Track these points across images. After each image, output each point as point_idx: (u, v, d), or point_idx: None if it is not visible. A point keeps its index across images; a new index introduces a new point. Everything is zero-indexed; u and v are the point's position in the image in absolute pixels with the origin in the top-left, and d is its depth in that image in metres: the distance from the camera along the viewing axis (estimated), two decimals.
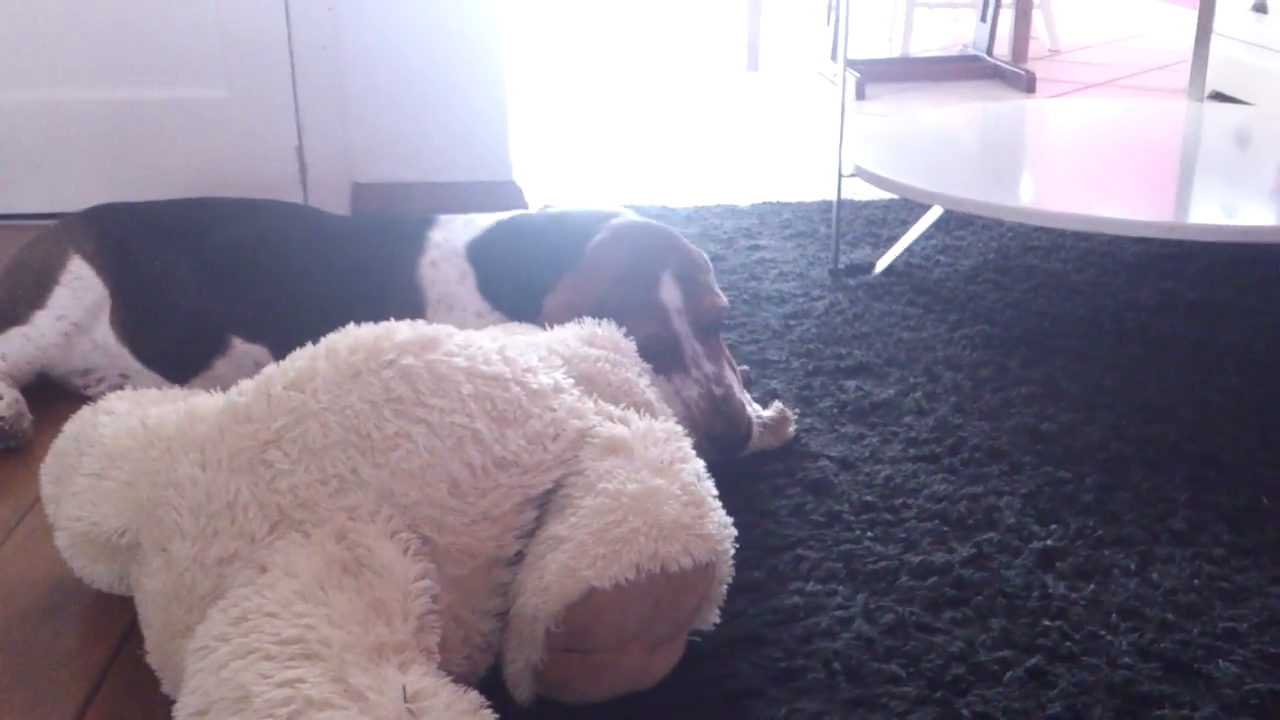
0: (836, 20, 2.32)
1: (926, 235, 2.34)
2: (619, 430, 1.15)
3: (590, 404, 1.20)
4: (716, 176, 3.03)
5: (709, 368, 1.46)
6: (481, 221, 1.71)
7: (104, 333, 1.75)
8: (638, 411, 1.23)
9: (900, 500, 1.42)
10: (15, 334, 1.72)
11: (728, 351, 1.56)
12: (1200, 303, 2.06)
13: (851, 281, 2.17)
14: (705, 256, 1.57)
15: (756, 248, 2.38)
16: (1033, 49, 4.69)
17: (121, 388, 1.76)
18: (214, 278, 1.73)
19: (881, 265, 2.22)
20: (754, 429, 1.48)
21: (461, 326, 1.59)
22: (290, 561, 1.01)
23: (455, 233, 1.69)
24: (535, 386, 1.14)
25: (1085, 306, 2.04)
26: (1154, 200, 2.01)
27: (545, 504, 1.12)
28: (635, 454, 1.12)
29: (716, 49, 5.12)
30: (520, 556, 1.10)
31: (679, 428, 1.20)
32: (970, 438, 1.57)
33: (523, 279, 1.59)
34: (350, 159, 2.68)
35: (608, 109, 3.95)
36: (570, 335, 1.33)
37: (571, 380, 1.21)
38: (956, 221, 2.45)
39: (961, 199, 1.91)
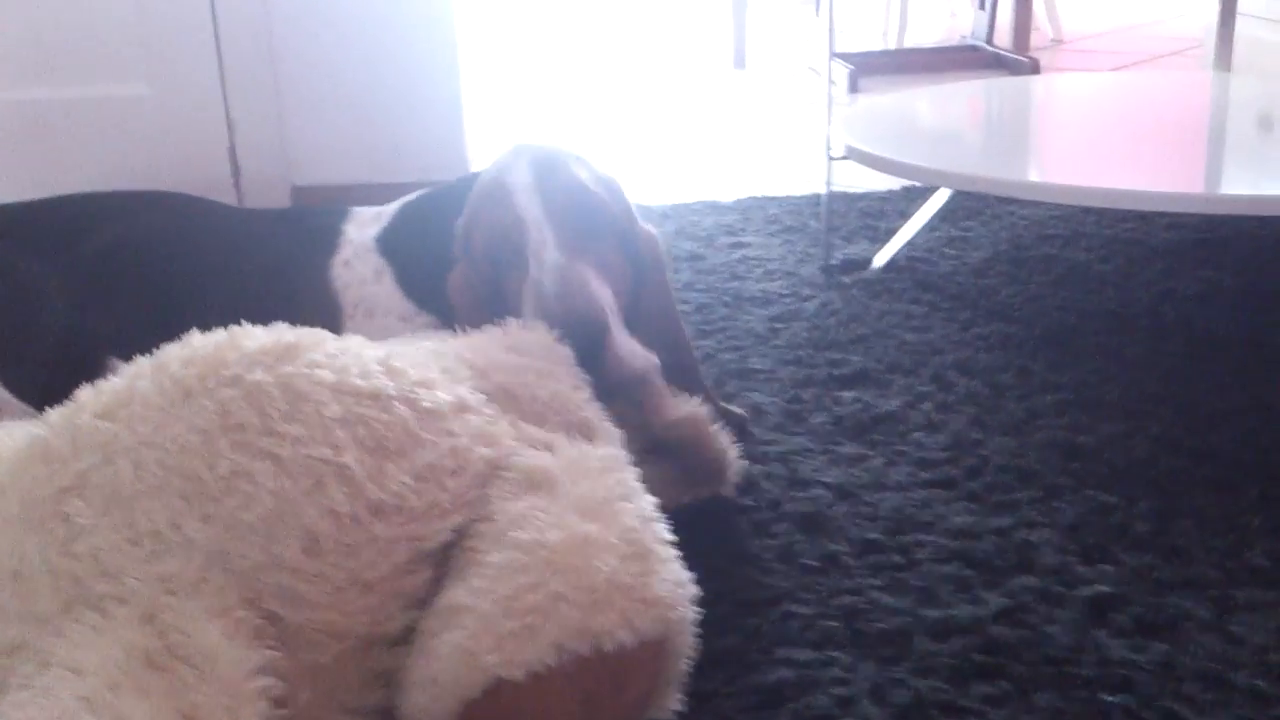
0: (830, 4, 2.06)
1: (929, 226, 2.07)
2: (540, 460, 0.88)
3: (506, 426, 0.93)
4: (698, 173, 2.77)
5: (547, 258, 1.15)
6: (390, 207, 1.46)
7: None
8: (569, 435, 0.96)
9: (911, 537, 1.14)
10: None
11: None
12: (1245, 291, 1.79)
13: (846, 279, 1.90)
14: (614, 179, 1.30)
15: (739, 245, 2.11)
16: (1034, 39, 4.43)
17: None
18: (88, 289, 1.45)
19: (880, 260, 1.95)
20: (606, 318, 1.13)
21: (383, 335, 1.34)
22: (77, 655, 0.73)
23: (366, 223, 1.43)
24: (428, 405, 0.87)
25: (1115, 299, 1.77)
26: (1184, 173, 1.74)
27: (443, 562, 0.84)
28: (560, 491, 0.85)
29: (702, 46, 4.87)
30: (409, 634, 0.82)
31: (622, 454, 0.92)
32: (993, 457, 1.29)
33: (437, 268, 1.32)
34: (288, 159, 2.42)
35: (584, 105, 3.69)
36: (488, 340, 1.06)
37: (484, 397, 0.94)
38: (963, 211, 2.18)
39: (971, 177, 1.65)
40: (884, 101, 2.21)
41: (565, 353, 1.08)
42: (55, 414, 0.87)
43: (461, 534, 0.85)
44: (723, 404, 1.39)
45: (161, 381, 0.84)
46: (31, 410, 1.46)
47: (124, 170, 2.38)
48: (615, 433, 1.04)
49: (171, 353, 0.87)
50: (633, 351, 1.16)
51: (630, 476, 0.89)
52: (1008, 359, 1.55)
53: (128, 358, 1.42)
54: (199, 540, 0.78)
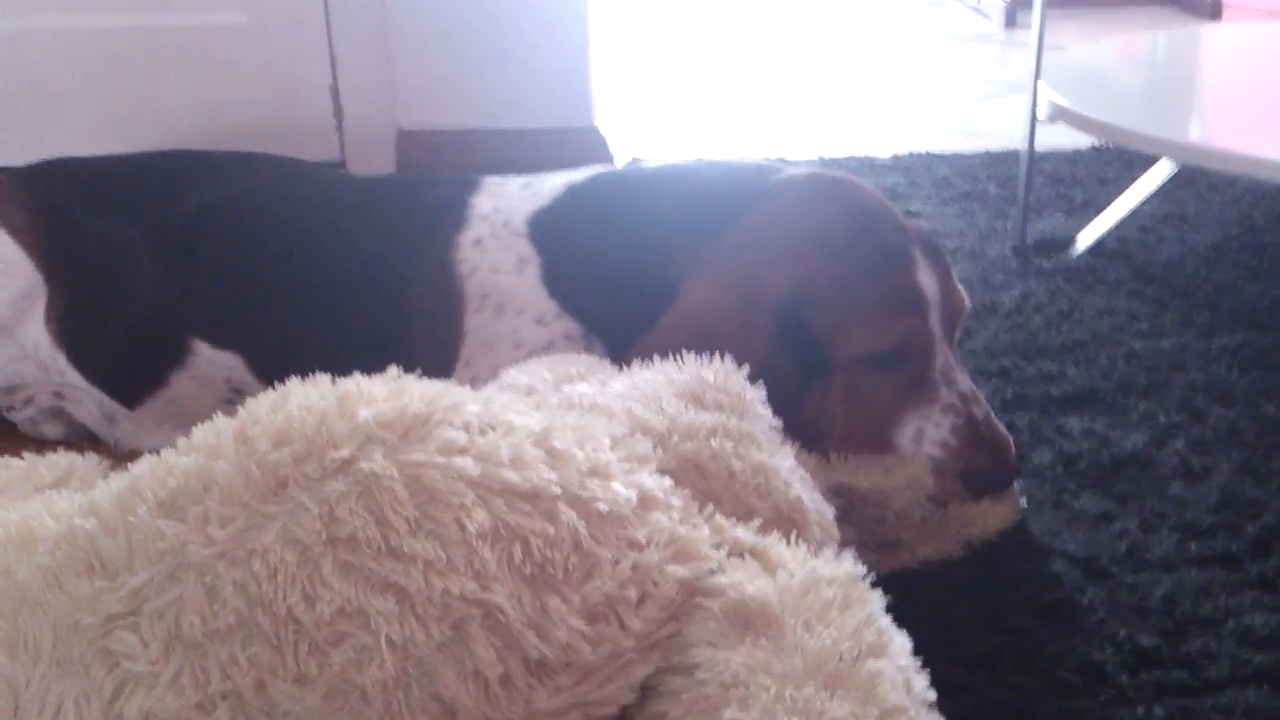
0: None
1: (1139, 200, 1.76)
2: (755, 587, 0.63)
3: (702, 526, 0.68)
4: (845, 123, 2.47)
5: (965, 384, 1.02)
6: (548, 184, 1.19)
7: (36, 334, 1.27)
8: (782, 529, 0.72)
9: (1198, 643, 0.88)
10: None
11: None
12: None
13: (1045, 263, 1.61)
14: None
15: (908, 214, 1.82)
16: None
17: (56, 409, 1.30)
18: (175, 260, 1.24)
19: (1084, 241, 1.66)
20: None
21: (514, 336, 1.10)
22: None
23: (511, 200, 1.17)
24: (604, 508, 0.63)
25: None
26: None
27: None
28: (787, 638, 0.61)
29: None
30: None
31: (850, 564, 0.68)
32: (1278, 522, 1.02)
33: (617, 268, 1.08)
34: (395, 100, 2.18)
35: (711, 43, 3.39)
36: (658, 382, 0.81)
37: (669, 481, 0.70)
38: (1174, 181, 1.86)
39: (1224, 153, 1.34)
40: (1093, 53, 1.89)
41: (756, 398, 0.83)
42: (105, 492, 0.65)
43: (647, 692, 0.61)
44: None
45: (247, 465, 0.61)
46: (103, 397, 1.26)
47: (216, 106, 2.17)
48: (828, 513, 0.79)
49: (261, 418, 0.64)
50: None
51: (876, 604, 0.65)
52: (1270, 381, 1.26)
53: (215, 342, 1.23)
54: (293, 712, 0.55)
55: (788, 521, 0.74)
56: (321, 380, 0.68)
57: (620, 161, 2.16)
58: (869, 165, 2.10)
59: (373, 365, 1.13)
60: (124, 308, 1.24)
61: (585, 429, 0.68)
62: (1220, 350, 1.34)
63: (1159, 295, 1.49)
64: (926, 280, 1.01)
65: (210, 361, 1.19)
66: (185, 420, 1.23)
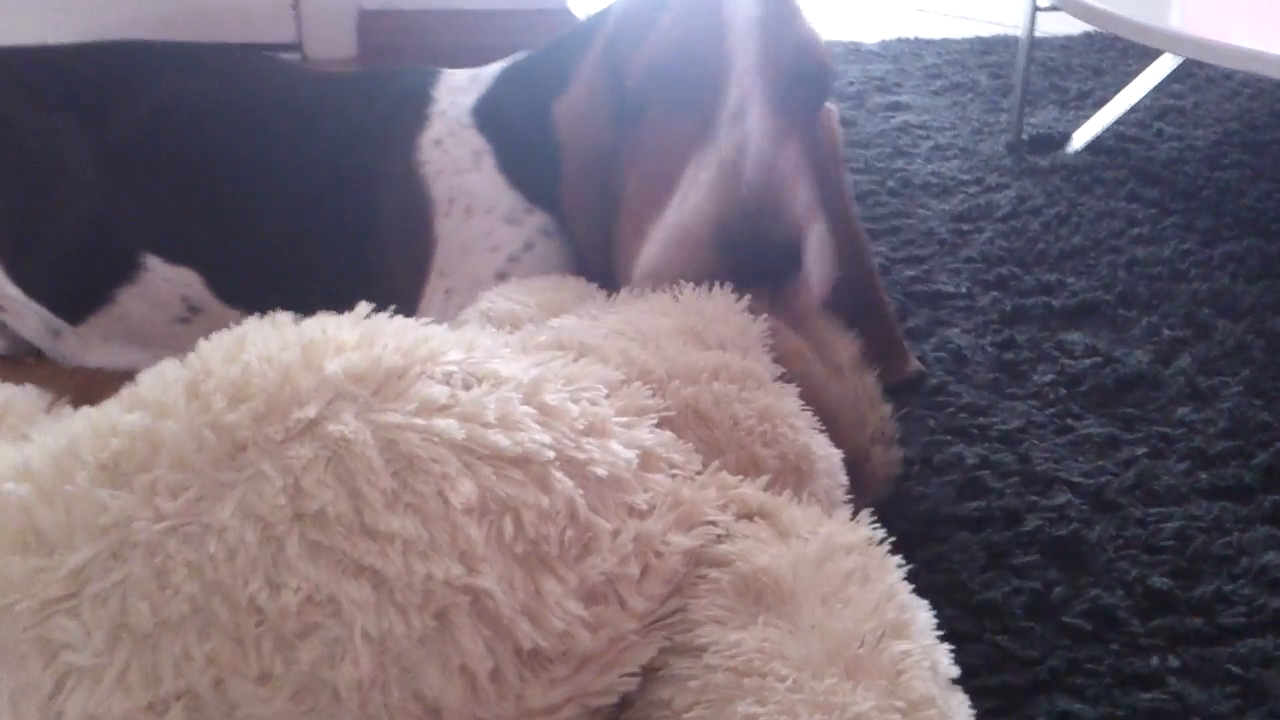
0: None
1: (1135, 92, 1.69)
2: (767, 556, 0.58)
3: (707, 485, 0.62)
4: (828, 5, 2.36)
5: (754, 139, 0.81)
6: (490, 70, 1.10)
7: None
8: (790, 480, 0.66)
9: (1212, 586, 0.84)
10: None
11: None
12: None
13: (1042, 161, 1.54)
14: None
15: (897, 107, 1.75)
16: None
17: None
18: (125, 166, 1.14)
19: (1081, 139, 1.58)
20: (803, 240, 0.82)
21: (489, 239, 1.00)
22: None
23: (460, 92, 1.08)
24: (602, 471, 0.57)
25: None
26: None
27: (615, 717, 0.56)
28: (803, 616, 0.55)
29: None
30: None
31: (867, 528, 0.62)
32: None
33: (549, 139, 0.99)
34: None
35: None
36: (657, 317, 0.74)
37: (670, 435, 0.63)
38: (1173, 73, 1.78)
39: (1239, 50, 1.27)
40: None
41: (758, 330, 0.76)
42: (40, 452, 0.58)
43: (651, 675, 0.56)
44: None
45: (199, 426, 0.54)
46: (43, 310, 1.17)
47: None
48: (835, 458, 0.74)
49: (214, 369, 0.56)
50: (819, 280, 0.85)
51: (895, 574, 0.59)
52: (1276, 293, 1.21)
53: (169, 257, 1.14)
54: (256, 714, 0.49)
55: (795, 471, 0.68)
56: (283, 321, 0.61)
57: None
58: (855, 51, 2.00)
59: (340, 281, 1.06)
60: (65, 216, 1.14)
61: (579, 377, 0.61)
62: (1223, 258, 1.28)
63: (1159, 198, 1.42)
64: (739, 35, 0.85)
65: (164, 278, 1.10)
66: (135, 338, 1.15)
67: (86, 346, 1.16)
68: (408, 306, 1.01)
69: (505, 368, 0.59)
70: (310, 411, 0.54)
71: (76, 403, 1.09)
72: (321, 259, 1.05)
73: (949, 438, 1.00)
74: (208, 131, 1.13)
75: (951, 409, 1.04)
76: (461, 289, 0.96)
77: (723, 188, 0.80)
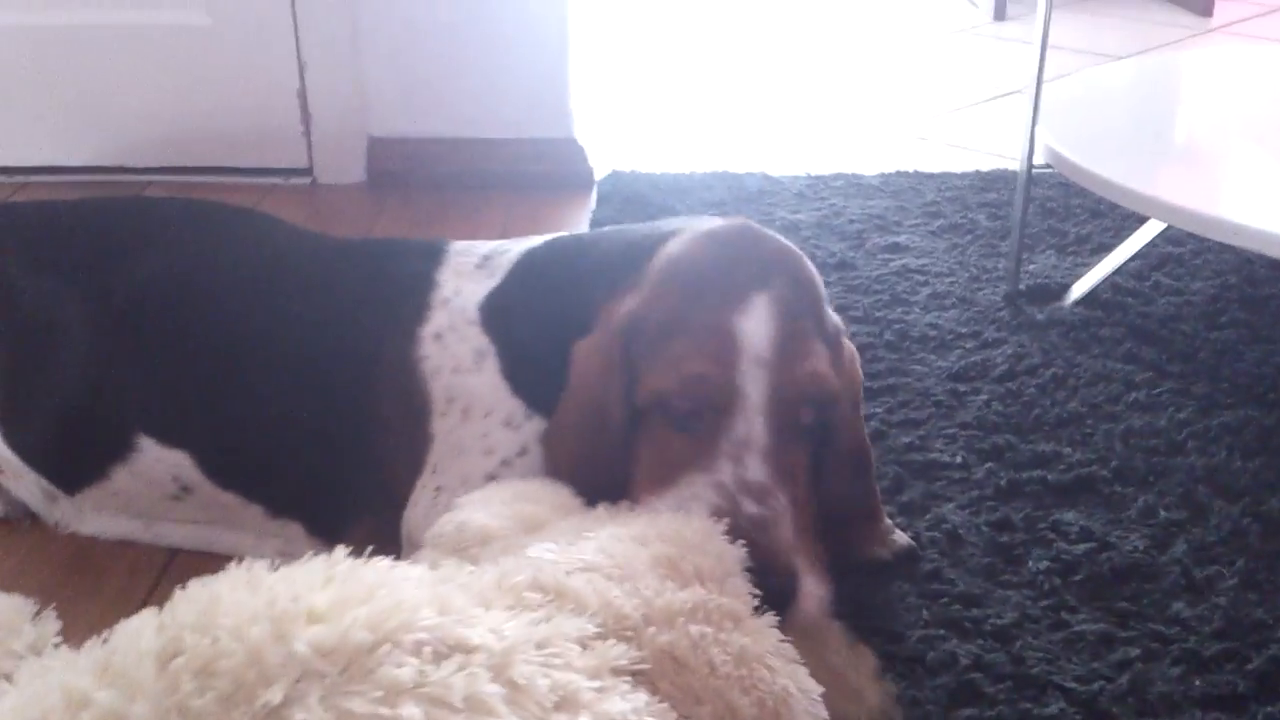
0: None
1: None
2: None
3: None
4: (831, 132, 2.39)
5: (756, 473, 0.86)
6: (506, 256, 1.10)
7: None
8: None
9: None
10: None
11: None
12: None
13: (1039, 314, 1.55)
14: (823, 291, 0.99)
15: (896, 249, 1.76)
16: None
17: None
18: (120, 339, 1.14)
19: (1079, 290, 1.60)
20: (811, 596, 0.86)
21: (485, 442, 1.00)
22: None
23: (469, 278, 1.09)
24: None
25: None
26: None
27: None
28: None
29: None
30: None
31: None
32: None
33: (560, 350, 1.00)
34: (366, 107, 2.09)
35: (694, 51, 3.25)
36: (634, 550, 0.74)
37: (643, 697, 0.64)
38: None
39: (1237, 227, 1.28)
40: (1086, 84, 1.82)
41: (736, 558, 0.77)
42: (12, 717, 0.58)
43: None
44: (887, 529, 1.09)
45: (167, 708, 0.55)
46: (37, 475, 1.17)
47: (180, 110, 2.08)
48: (814, 692, 0.73)
49: (185, 644, 0.57)
50: (818, 600, 0.87)
51: None
52: (1273, 470, 1.21)
53: (162, 438, 1.11)
54: None
55: (774, 716, 0.69)
56: (257, 579, 0.62)
57: (599, 174, 2.08)
58: (856, 185, 2.03)
59: (335, 467, 1.05)
60: (62, 387, 1.14)
61: (551, 640, 0.62)
62: (1220, 429, 1.28)
63: (1156, 359, 1.43)
64: (751, 329, 0.89)
65: (156, 458, 1.10)
66: (129, 510, 1.14)
67: (81, 515, 1.16)
68: (399, 495, 1.02)
69: (477, 635, 0.60)
70: (276, 696, 0.55)
71: (69, 571, 1.11)
72: (315, 446, 1.05)
73: (942, 632, 1.00)
74: (203, 306, 1.14)
75: (945, 599, 1.04)
76: (452, 486, 0.97)
77: (718, 514, 0.83)
